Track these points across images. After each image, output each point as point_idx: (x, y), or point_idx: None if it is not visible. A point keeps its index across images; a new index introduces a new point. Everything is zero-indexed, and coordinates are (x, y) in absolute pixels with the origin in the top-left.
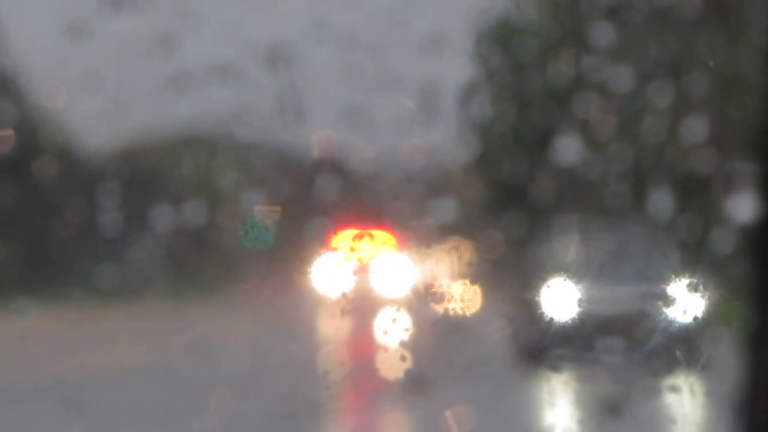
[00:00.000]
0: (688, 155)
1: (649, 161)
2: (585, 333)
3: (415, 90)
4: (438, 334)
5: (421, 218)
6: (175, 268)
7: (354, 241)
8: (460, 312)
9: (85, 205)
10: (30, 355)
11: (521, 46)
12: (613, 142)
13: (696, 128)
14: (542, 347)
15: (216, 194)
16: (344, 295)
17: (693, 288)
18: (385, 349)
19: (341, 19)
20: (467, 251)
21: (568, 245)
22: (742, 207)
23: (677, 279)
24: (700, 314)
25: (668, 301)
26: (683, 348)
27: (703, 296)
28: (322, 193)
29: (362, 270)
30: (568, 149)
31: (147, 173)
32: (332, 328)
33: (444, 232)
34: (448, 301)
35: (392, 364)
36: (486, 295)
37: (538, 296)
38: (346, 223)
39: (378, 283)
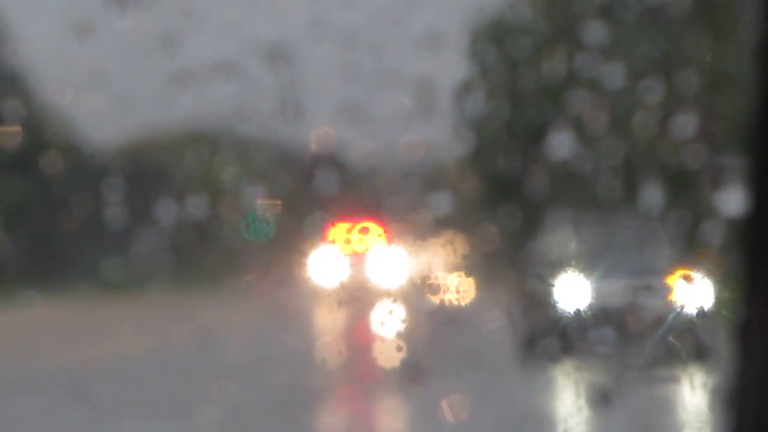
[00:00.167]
0: (678, 150)
1: (640, 156)
2: (584, 324)
3: (411, 87)
4: (434, 325)
5: (418, 212)
6: (178, 261)
7: (351, 233)
8: (455, 303)
9: (91, 199)
10: (37, 345)
11: (515, 44)
12: (605, 138)
13: (686, 124)
14: (544, 337)
15: (218, 189)
16: (342, 286)
17: (689, 280)
18: (382, 339)
19: (340, 19)
20: (462, 244)
21: (562, 238)
22: (731, 201)
23: (671, 271)
24: (697, 306)
25: (664, 292)
26: (682, 339)
27: (699, 288)
28: (321, 188)
29: (360, 262)
30: (561, 144)
31: (151, 168)
32: (330, 319)
33: (440, 225)
34: (444, 292)
35: (389, 354)
36: (480, 286)
37: (537, 288)
38: (344, 217)
39: (375, 274)
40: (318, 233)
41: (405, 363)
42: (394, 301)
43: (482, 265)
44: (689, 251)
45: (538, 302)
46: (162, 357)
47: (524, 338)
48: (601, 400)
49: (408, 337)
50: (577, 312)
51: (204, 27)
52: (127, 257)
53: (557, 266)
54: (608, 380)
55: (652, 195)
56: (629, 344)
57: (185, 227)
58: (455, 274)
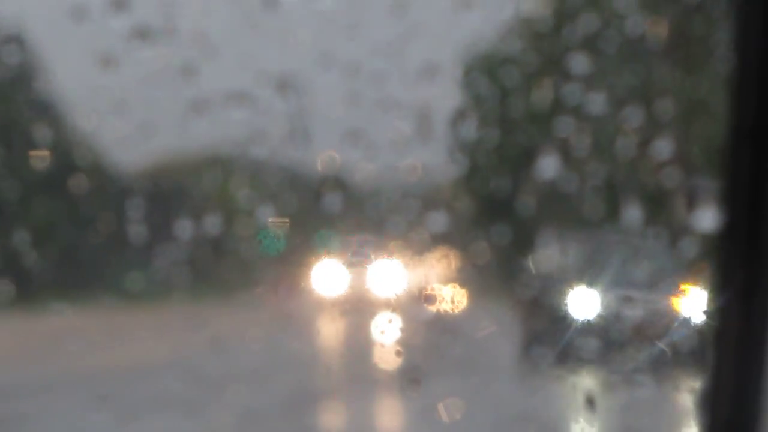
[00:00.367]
0: (656, 172)
1: (621, 177)
2: (594, 333)
3: (410, 114)
4: (430, 332)
5: (416, 228)
6: (195, 274)
7: (354, 248)
8: (450, 312)
9: (115, 216)
10: (65, 351)
11: (505, 74)
12: (589, 160)
13: (663, 148)
14: (552, 345)
15: (232, 207)
16: (345, 296)
17: (684, 292)
18: (382, 345)
19: (344, 51)
20: (457, 258)
21: (557, 252)
22: (705, 218)
23: (667, 283)
24: (691, 316)
25: (664, 303)
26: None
27: (692, 299)
28: (327, 206)
29: (362, 274)
30: (548, 166)
31: (170, 188)
32: (334, 327)
33: (436, 240)
34: (440, 302)
35: (389, 359)
36: (473, 297)
37: (544, 299)
38: (348, 233)
39: (376, 286)
40: (324, 248)
41: (404, 367)
42: (394, 310)
43: (475, 278)
44: (678, 265)
45: (546, 313)
46: (180, 361)
47: (529, 345)
48: (587, 403)
49: (407, 343)
50: (587, 321)
51: (219, 59)
52: (148, 270)
53: (561, 278)
54: (598, 385)
55: (633, 213)
56: (633, 352)
57: (202, 243)
58: (450, 285)
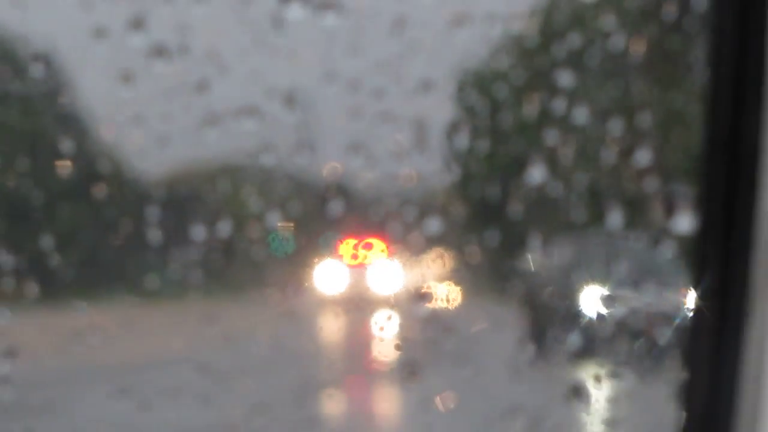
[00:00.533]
0: (637, 179)
1: (604, 184)
2: (606, 330)
3: (408, 126)
4: (427, 327)
5: (413, 231)
6: (208, 274)
7: (356, 249)
8: (445, 308)
9: (134, 221)
10: (87, 345)
11: (496, 89)
12: (574, 168)
13: (643, 156)
14: (565, 341)
15: (243, 212)
16: (347, 294)
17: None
18: (382, 340)
19: (347, 68)
20: (451, 259)
21: (539, 253)
22: (682, 222)
23: (637, 282)
24: (663, 313)
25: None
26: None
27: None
28: (331, 211)
29: (363, 273)
30: (536, 174)
31: (185, 195)
32: (337, 323)
33: (431, 242)
34: (435, 299)
35: (388, 353)
36: (467, 294)
37: (554, 297)
38: (350, 235)
39: (376, 284)
40: (328, 249)
41: (403, 359)
42: (392, 307)
43: (468, 277)
44: (657, 265)
45: (556, 310)
46: (194, 355)
47: (540, 341)
48: (573, 393)
49: (405, 337)
50: (600, 318)
51: (230, 76)
52: (165, 271)
53: (568, 277)
54: (585, 377)
55: (615, 217)
56: (616, 347)
57: (215, 245)
58: (445, 284)
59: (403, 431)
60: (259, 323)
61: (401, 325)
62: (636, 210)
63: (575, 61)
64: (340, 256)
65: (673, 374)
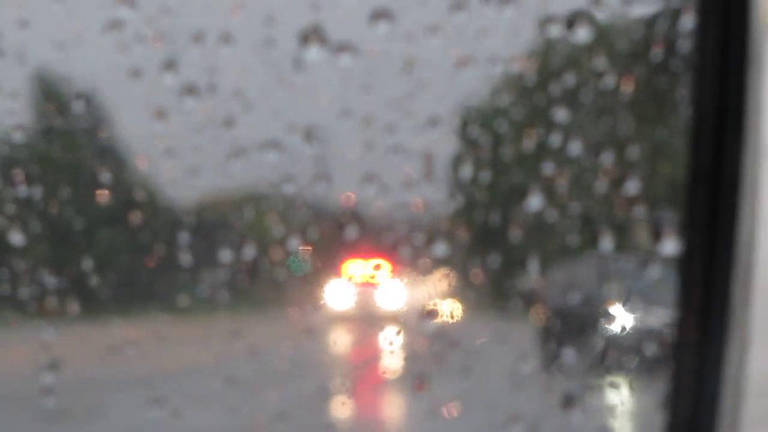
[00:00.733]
0: (626, 206)
1: (596, 211)
2: (629, 343)
3: (416, 159)
4: (433, 341)
5: (421, 254)
6: (234, 293)
7: (368, 270)
8: (450, 324)
9: (166, 245)
10: (123, 357)
11: (497, 124)
12: (569, 197)
13: (632, 186)
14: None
15: (266, 237)
16: (359, 312)
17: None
18: (392, 353)
19: (361, 106)
20: (455, 279)
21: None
22: (668, 246)
23: (627, 301)
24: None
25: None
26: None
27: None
28: (345, 236)
29: (373, 292)
30: (534, 202)
31: (213, 221)
32: (350, 337)
33: (438, 264)
34: (441, 316)
35: (397, 365)
36: (470, 311)
37: (577, 314)
38: (362, 257)
39: (386, 303)
40: (342, 270)
41: (411, 371)
42: (401, 323)
43: (471, 295)
44: (645, 285)
45: (580, 326)
46: (221, 367)
47: (553, 351)
48: (565, 402)
49: (413, 350)
50: (623, 331)
51: (254, 112)
52: (194, 290)
53: (565, 296)
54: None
55: (606, 242)
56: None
57: (240, 267)
58: (450, 301)
59: None
60: (280, 337)
61: (409, 340)
62: (626, 235)
63: (570, 98)
64: (353, 276)
65: (659, 384)
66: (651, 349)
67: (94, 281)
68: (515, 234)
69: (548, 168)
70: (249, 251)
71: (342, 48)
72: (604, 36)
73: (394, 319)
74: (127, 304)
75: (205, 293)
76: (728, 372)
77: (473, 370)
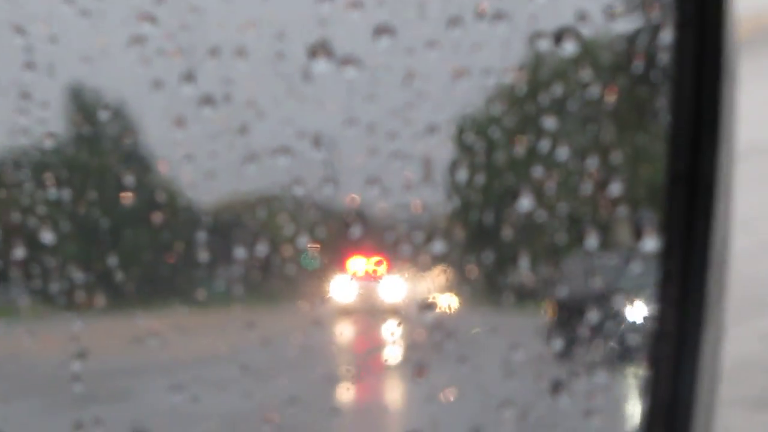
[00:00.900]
0: (610, 207)
1: (582, 211)
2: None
3: (416, 164)
4: (432, 332)
5: (420, 251)
6: (248, 288)
7: (370, 265)
8: (447, 316)
9: (186, 244)
10: (146, 346)
11: (490, 131)
12: (557, 198)
13: (616, 188)
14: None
15: (278, 236)
16: (363, 306)
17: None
18: (393, 343)
19: (365, 114)
20: (452, 274)
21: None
22: (648, 244)
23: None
24: (632, 320)
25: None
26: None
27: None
28: (350, 234)
29: (376, 286)
30: (524, 203)
31: (229, 221)
32: (354, 330)
33: (436, 260)
34: (439, 309)
35: (398, 353)
36: (466, 304)
37: (595, 306)
38: (366, 253)
39: (387, 296)
40: (347, 266)
41: (411, 359)
42: (402, 315)
43: (467, 289)
44: (627, 280)
45: (599, 317)
46: (237, 355)
47: (571, 346)
48: (553, 388)
49: (412, 340)
50: (637, 322)
51: (267, 120)
52: (212, 285)
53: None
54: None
55: (591, 240)
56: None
57: (254, 264)
58: (447, 295)
59: (411, 419)
60: (291, 329)
61: (409, 330)
62: (609, 233)
63: (558, 107)
64: (357, 271)
65: (639, 372)
66: (632, 339)
67: (119, 277)
68: (507, 233)
69: (538, 172)
70: (262, 248)
71: (347, 61)
72: (589, 50)
73: (395, 311)
74: (150, 297)
75: (221, 287)
76: (704, 359)
77: (469, 358)
